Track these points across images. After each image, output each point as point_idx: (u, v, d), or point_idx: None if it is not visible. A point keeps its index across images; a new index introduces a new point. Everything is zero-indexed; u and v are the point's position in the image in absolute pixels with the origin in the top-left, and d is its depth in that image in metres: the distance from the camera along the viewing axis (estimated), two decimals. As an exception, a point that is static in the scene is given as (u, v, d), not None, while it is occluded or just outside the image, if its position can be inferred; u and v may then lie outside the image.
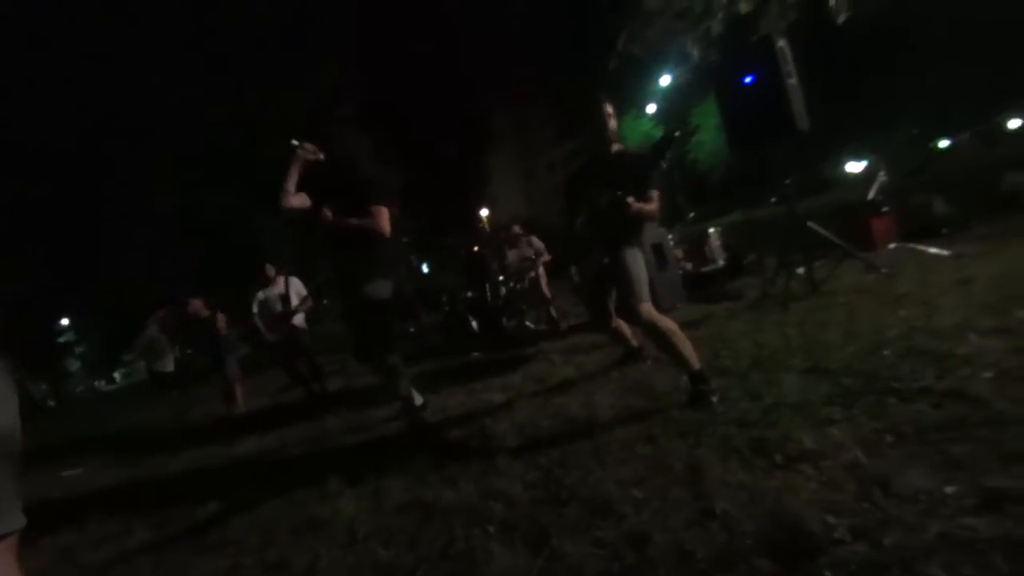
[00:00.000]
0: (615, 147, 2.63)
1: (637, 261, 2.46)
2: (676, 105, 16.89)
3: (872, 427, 1.77)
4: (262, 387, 6.85)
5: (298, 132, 3.01)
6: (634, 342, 3.19)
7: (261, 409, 5.66)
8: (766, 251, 5.81)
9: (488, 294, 5.86)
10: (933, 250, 4.40)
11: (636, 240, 2.51)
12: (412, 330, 7.61)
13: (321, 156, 2.96)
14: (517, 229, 6.00)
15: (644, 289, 2.41)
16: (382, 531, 1.86)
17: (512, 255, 5.95)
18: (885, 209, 5.28)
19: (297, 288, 5.35)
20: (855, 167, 9.51)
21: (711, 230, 5.79)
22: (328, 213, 2.91)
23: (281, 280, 5.31)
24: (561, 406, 2.70)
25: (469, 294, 6.16)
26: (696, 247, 5.80)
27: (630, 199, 2.31)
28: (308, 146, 2.94)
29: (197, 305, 5.77)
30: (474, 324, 5.68)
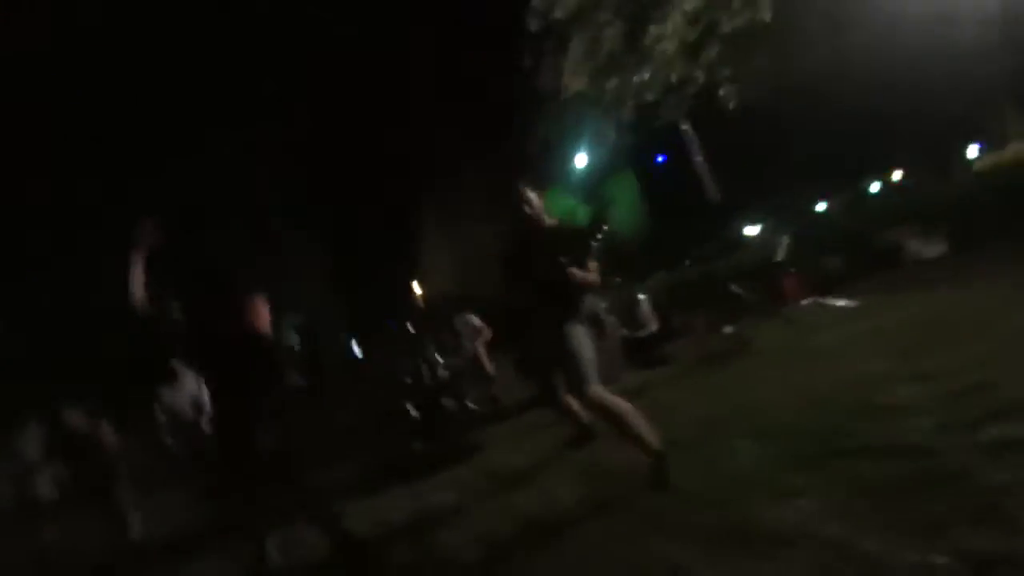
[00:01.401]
0: (549, 222, 2.63)
1: (581, 339, 2.36)
2: (592, 180, 18.32)
3: (840, 494, 1.73)
4: (166, 508, 5.86)
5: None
6: (584, 419, 3.07)
7: (165, 536, 4.78)
8: (693, 312, 6.09)
9: (427, 376, 5.56)
10: (842, 303, 4.81)
11: (578, 316, 2.44)
12: (344, 422, 7.00)
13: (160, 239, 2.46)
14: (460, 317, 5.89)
15: (591, 369, 2.30)
16: None
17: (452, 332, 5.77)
18: (792, 269, 5.77)
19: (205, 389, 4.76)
20: (752, 229, 10.57)
21: (640, 296, 5.99)
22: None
23: (191, 377, 4.68)
24: (520, 506, 2.46)
25: (407, 379, 5.81)
26: (628, 312, 5.95)
27: (572, 269, 2.29)
28: (148, 224, 2.43)
29: (76, 419, 4.89)
30: (413, 412, 5.31)
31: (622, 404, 2.27)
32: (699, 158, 3.94)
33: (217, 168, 14.91)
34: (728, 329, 4.31)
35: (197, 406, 4.51)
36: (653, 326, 5.91)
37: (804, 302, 5.49)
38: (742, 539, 1.63)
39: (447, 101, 18.69)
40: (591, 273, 2.41)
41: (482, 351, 5.60)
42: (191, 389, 4.63)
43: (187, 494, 4.91)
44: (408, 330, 7.22)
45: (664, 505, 2.00)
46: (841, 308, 4.68)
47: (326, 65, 19.54)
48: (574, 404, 2.89)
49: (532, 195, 2.63)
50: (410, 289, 20.77)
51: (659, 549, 1.72)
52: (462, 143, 18.70)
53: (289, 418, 2.64)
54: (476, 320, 5.88)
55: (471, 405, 5.48)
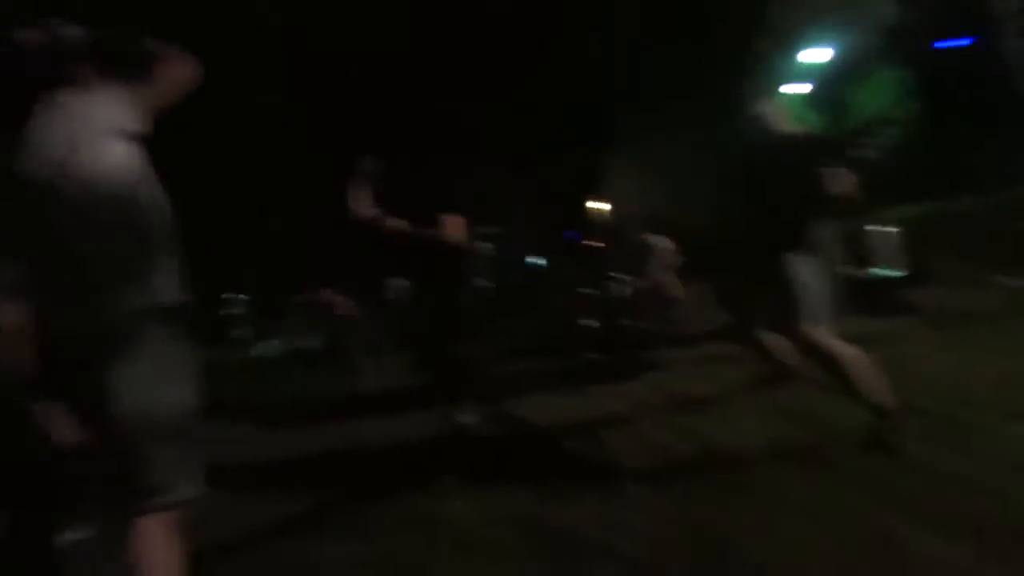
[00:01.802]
0: (790, 131, 2.15)
1: (807, 271, 1.99)
2: (835, 83, 14.61)
3: None
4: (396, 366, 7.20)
5: None
6: (788, 360, 2.69)
7: (391, 390, 5.92)
8: (961, 257, 4.71)
9: (610, 292, 5.55)
10: None
11: (808, 246, 2.02)
12: (528, 327, 7.56)
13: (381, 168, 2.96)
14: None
15: (812, 309, 1.95)
16: (492, 543, 1.73)
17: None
18: None
19: None
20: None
21: (889, 228, 4.82)
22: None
23: None
24: (695, 427, 2.35)
25: (588, 291, 5.90)
26: (867, 247, 4.88)
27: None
28: (372, 159, 2.94)
29: (326, 294, 6.29)
30: (593, 323, 5.41)
31: (848, 349, 1.90)
32: (1015, 43, 2.63)
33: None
34: (1007, 280, 3.21)
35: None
36: (900, 267, 4.79)
37: None
38: (977, 526, 1.28)
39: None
40: (848, 184, 2.01)
41: (672, 275, 5.30)
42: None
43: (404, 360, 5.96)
44: (594, 245, 7.18)
45: (883, 470, 1.68)
46: None
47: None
48: (776, 343, 2.55)
49: (767, 101, 2.21)
50: (598, 205, 20.49)
51: (866, 511, 1.47)
52: (665, 43, 16.57)
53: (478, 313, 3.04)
54: (668, 243, 5.54)
55: (652, 326, 5.33)
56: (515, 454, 2.60)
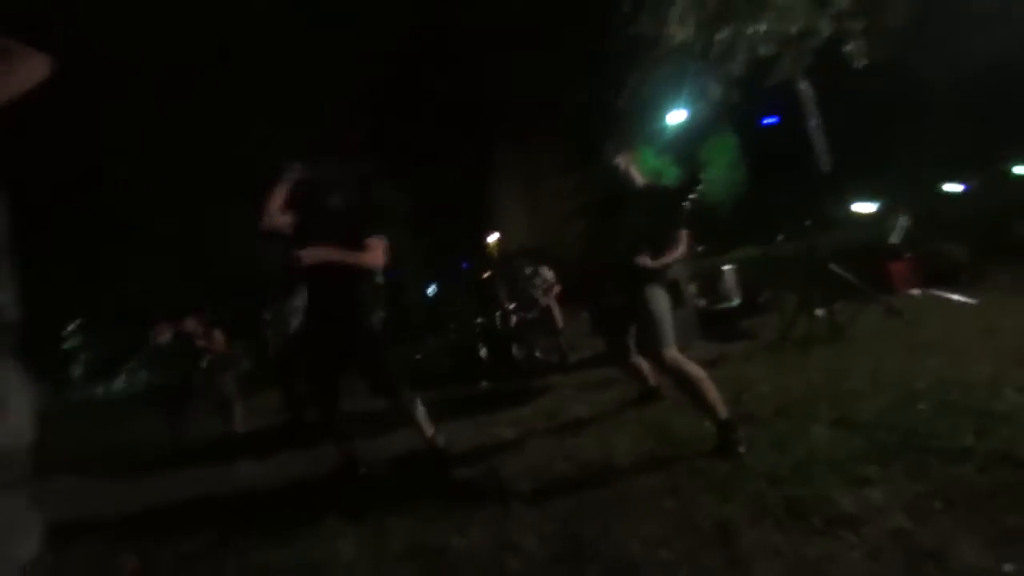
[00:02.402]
0: (641, 181, 2.61)
1: (661, 301, 2.38)
2: (684, 141, 17.12)
3: (915, 490, 1.66)
4: (262, 407, 6.71)
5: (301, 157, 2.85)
6: (652, 380, 3.09)
7: (260, 431, 5.52)
8: (783, 290, 5.73)
9: (498, 321, 5.78)
10: (957, 297, 4.31)
11: (660, 278, 2.45)
12: (417, 356, 7.50)
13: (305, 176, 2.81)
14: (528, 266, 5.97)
15: (669, 332, 2.31)
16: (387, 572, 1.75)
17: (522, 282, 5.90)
18: (907, 254, 5.21)
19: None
20: (864, 207, 9.47)
21: (726, 267, 5.72)
22: (309, 252, 2.64)
23: (303, 292, 5.25)
24: (576, 447, 2.59)
25: (479, 320, 6.08)
26: (710, 283, 5.72)
27: (642, 260, 2.34)
28: (299, 167, 2.80)
29: (191, 323, 5.69)
30: (483, 352, 5.58)
31: (697, 369, 2.28)
32: (814, 122, 3.49)
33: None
34: (820, 311, 4.03)
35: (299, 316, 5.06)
36: (736, 299, 5.67)
37: (914, 292, 4.97)
38: (798, 514, 1.63)
39: (529, 49, 18.02)
40: (677, 247, 2.45)
41: (554, 304, 5.69)
42: (299, 301, 5.20)
43: (279, 397, 5.57)
44: (483, 276, 7.43)
45: (724, 472, 2.01)
46: (955, 303, 4.20)
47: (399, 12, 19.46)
48: (644, 364, 2.92)
49: (623, 154, 2.62)
50: (486, 238, 21.14)
51: (709, 508, 1.76)
52: (544, 94, 18.11)
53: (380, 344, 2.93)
54: (549, 274, 5.95)
55: (538, 354, 5.64)
56: (406, 486, 2.60)
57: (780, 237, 7.59)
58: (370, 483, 2.80)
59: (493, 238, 21.27)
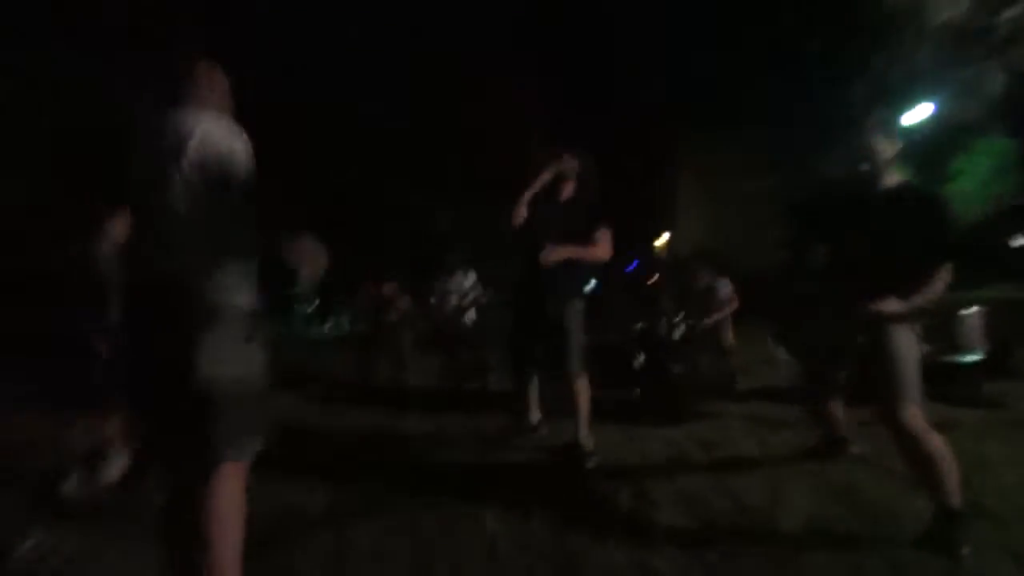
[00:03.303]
0: (891, 179, 2.00)
1: (909, 346, 1.86)
2: (926, 144, 13.78)
3: None
4: (432, 368, 7.46)
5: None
6: (842, 430, 2.60)
7: (427, 389, 6.13)
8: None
9: (662, 329, 5.48)
10: None
11: (911, 315, 1.88)
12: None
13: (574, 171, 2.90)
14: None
15: (914, 386, 1.83)
16: (526, 565, 1.79)
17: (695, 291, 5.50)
18: None
19: (471, 283, 5.75)
20: None
21: (969, 309, 4.51)
22: (552, 252, 2.70)
23: (460, 274, 5.78)
24: (738, 488, 2.32)
25: (640, 325, 5.85)
26: (942, 325, 4.58)
27: (884, 306, 1.82)
28: (567, 157, 2.88)
29: (390, 288, 6.64)
30: (639, 359, 5.35)
31: (939, 442, 1.79)
32: None
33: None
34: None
35: (462, 296, 5.57)
36: (978, 352, 4.45)
37: None
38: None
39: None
40: (939, 279, 1.86)
41: (728, 320, 5.19)
42: (459, 282, 5.76)
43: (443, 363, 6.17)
44: (650, 279, 7.12)
45: (934, 572, 1.61)
46: None
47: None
48: (839, 412, 2.48)
49: (880, 143, 1.98)
50: (658, 240, 20.19)
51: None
52: (738, 83, 16.29)
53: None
54: (728, 286, 5.43)
55: (702, 371, 5.22)
56: (555, 481, 2.62)
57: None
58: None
59: (663, 238, 20.23)
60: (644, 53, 19.86)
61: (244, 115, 1.56)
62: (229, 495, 1.37)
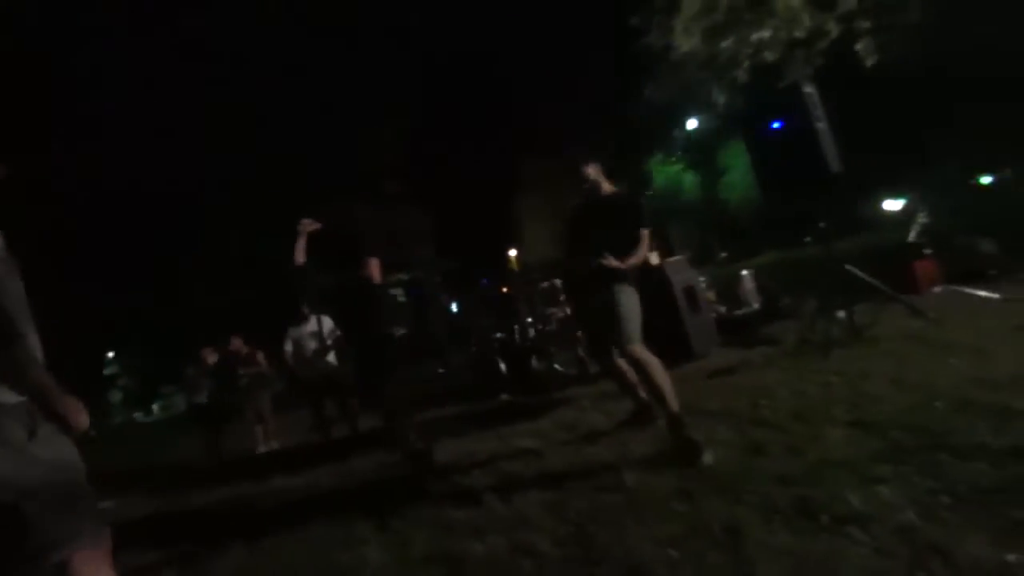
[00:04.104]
0: (606, 189, 2.91)
1: (630, 299, 2.62)
2: (703, 147, 17.03)
3: (926, 487, 1.67)
4: (294, 425, 6.93)
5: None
6: (642, 394, 3.08)
7: (292, 447, 5.71)
8: (803, 294, 5.67)
9: (517, 335, 5.86)
10: (982, 293, 4.21)
11: (627, 278, 2.66)
12: (441, 371, 7.62)
13: (319, 226, 3.42)
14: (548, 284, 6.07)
15: (636, 329, 2.56)
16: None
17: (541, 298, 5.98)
18: (927, 251, 5.10)
19: (328, 326, 5.50)
20: (893, 205, 9.26)
21: (744, 272, 5.69)
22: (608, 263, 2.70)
23: (313, 319, 5.49)
24: (592, 455, 2.64)
25: (498, 335, 6.17)
26: (729, 289, 5.70)
27: (607, 261, 2.55)
28: (306, 221, 3.41)
29: (237, 344, 6.01)
30: (503, 366, 5.66)
31: (657, 364, 2.52)
32: (821, 124, 3.46)
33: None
34: (840, 314, 3.99)
35: (319, 339, 5.30)
36: (755, 304, 5.62)
37: (937, 289, 4.87)
38: (807, 513, 1.66)
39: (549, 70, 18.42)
40: (640, 247, 2.69)
41: (570, 316, 5.73)
42: (312, 327, 5.47)
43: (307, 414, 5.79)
44: (502, 291, 7.55)
45: (737, 476, 2.04)
46: (981, 299, 4.10)
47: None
48: (628, 370, 2.94)
49: (591, 167, 2.89)
50: (506, 253, 21.30)
51: (719, 510, 1.80)
52: (563, 111, 18.41)
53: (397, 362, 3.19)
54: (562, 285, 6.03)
55: (558, 366, 5.69)
56: (427, 496, 2.69)
57: (807, 240, 7.49)
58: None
59: (513, 253, 21.42)
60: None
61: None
62: None
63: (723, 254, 15.02)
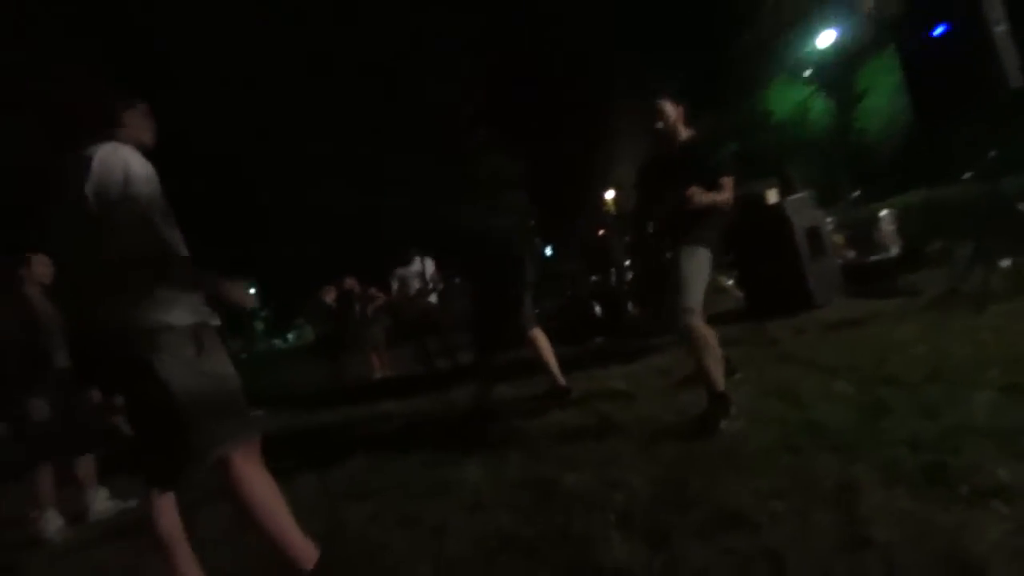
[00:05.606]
0: (683, 136, 2.52)
1: (696, 262, 2.31)
2: (836, 67, 14.48)
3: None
4: (400, 359, 7.57)
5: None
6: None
7: (400, 378, 6.27)
8: (957, 239, 4.83)
9: (613, 279, 5.75)
10: None
11: (703, 238, 2.36)
12: (537, 312, 7.76)
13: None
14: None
15: (695, 295, 2.28)
16: (504, 502, 1.96)
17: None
18: None
19: (431, 268, 5.82)
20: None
21: (883, 213, 4.96)
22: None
23: (418, 260, 5.83)
24: (688, 403, 2.56)
25: (593, 278, 6.10)
26: (863, 233, 5.02)
27: (693, 191, 2.23)
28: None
29: (351, 282, 6.61)
30: (597, 310, 5.62)
31: (711, 336, 2.29)
32: (1000, 27, 2.65)
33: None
34: (1005, 262, 3.35)
35: (422, 279, 5.67)
36: (894, 250, 4.92)
37: None
38: (939, 481, 1.48)
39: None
40: (722, 193, 2.32)
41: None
42: (417, 267, 5.83)
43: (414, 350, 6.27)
44: (599, 235, 7.37)
45: (856, 436, 1.87)
46: None
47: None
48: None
49: (669, 107, 2.50)
50: (602, 197, 20.58)
51: (832, 467, 1.68)
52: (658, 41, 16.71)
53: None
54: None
55: (652, 312, 5.53)
56: (525, 428, 2.83)
57: (966, 176, 6.30)
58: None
59: (610, 195, 20.64)
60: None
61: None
62: (248, 479, 1.49)
63: (855, 192, 13.19)
